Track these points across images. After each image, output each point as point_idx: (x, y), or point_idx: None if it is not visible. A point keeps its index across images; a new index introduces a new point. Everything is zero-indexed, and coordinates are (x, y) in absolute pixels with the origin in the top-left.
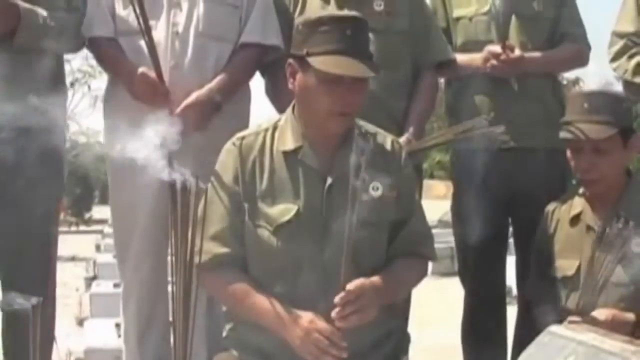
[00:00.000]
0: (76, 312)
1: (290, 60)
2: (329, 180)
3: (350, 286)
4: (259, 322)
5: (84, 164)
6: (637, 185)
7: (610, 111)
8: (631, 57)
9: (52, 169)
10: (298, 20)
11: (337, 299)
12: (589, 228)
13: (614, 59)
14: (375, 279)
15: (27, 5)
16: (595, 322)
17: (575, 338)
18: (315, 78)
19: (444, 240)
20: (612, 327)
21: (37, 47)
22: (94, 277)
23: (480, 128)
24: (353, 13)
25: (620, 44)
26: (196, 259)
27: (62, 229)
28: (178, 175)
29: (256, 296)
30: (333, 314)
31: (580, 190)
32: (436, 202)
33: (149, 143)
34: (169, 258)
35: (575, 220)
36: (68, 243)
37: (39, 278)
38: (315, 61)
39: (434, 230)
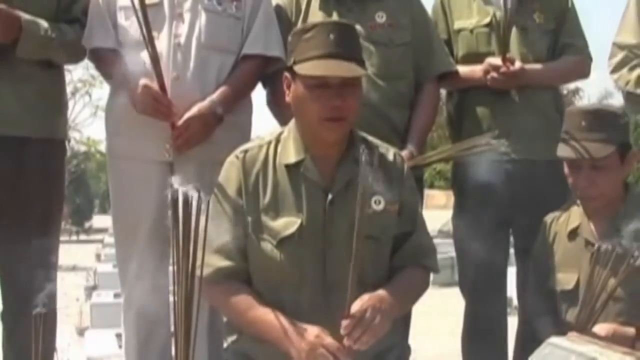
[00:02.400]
0: (77, 322)
1: (285, 73)
2: (331, 195)
3: (352, 309)
4: (263, 335)
5: (84, 173)
6: (635, 199)
7: (607, 128)
8: (632, 68)
9: (52, 180)
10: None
11: (343, 330)
12: (587, 242)
13: (615, 70)
14: (381, 292)
15: (28, 17)
16: (595, 337)
17: (575, 349)
18: (303, 85)
19: (445, 250)
20: (613, 342)
21: (38, 58)
22: (94, 287)
23: (483, 144)
24: (338, 19)
25: (621, 55)
26: (198, 272)
27: (62, 238)
28: (180, 187)
29: (259, 309)
30: (345, 342)
31: (578, 202)
32: (436, 212)
33: (151, 154)
34: (170, 268)
35: (573, 234)
36: (68, 253)
37: (40, 288)
38: (300, 67)
39: (434, 240)
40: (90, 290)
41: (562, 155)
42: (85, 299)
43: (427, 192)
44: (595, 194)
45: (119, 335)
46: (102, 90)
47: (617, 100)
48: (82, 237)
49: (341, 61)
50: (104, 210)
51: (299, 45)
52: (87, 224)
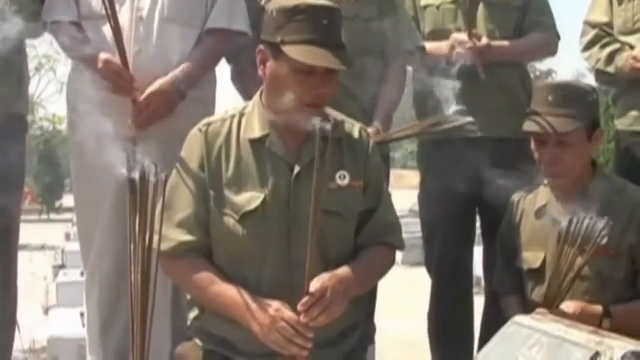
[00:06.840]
0: (43, 301)
1: (262, 47)
2: (297, 169)
3: (311, 288)
4: (224, 311)
5: (53, 151)
6: (603, 179)
7: (574, 104)
8: (603, 46)
9: (11, 155)
10: (272, 6)
11: (300, 306)
12: (554, 221)
13: (586, 48)
14: (342, 270)
15: None
16: (563, 315)
17: (540, 328)
18: (288, 67)
19: (415, 229)
20: (580, 319)
21: None
22: (62, 266)
23: (449, 121)
24: (329, 3)
25: (592, 33)
26: (156, 247)
27: (31, 217)
28: (137, 162)
29: (221, 284)
30: (301, 318)
31: (545, 181)
32: (408, 192)
33: (112, 131)
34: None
35: (540, 212)
36: (37, 232)
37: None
38: (290, 50)
39: (405, 220)
40: (58, 269)
41: (527, 130)
42: (53, 277)
43: (399, 172)
44: (560, 170)
45: (83, 314)
46: (67, 67)
47: (589, 81)
48: (53, 216)
49: (331, 49)
50: None
51: (288, 24)
52: (57, 203)
